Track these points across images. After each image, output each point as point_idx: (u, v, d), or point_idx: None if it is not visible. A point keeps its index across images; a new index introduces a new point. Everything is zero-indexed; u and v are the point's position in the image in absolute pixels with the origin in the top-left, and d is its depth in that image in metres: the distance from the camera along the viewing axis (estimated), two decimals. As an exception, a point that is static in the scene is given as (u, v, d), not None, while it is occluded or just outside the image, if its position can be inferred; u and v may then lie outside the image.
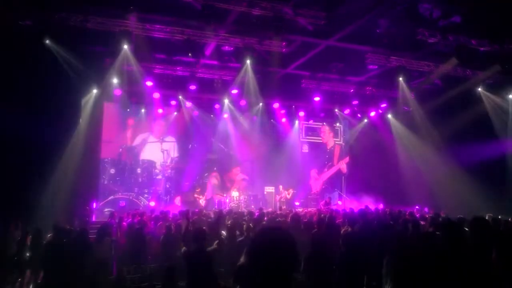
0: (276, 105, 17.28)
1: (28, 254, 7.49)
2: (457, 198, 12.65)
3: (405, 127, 17.39)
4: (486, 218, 5.52)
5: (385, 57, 12.67)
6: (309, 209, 14.27)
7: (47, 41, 10.38)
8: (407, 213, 10.74)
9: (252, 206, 15.43)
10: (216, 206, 15.62)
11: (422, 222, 9.31)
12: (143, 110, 16.75)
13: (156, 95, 15.10)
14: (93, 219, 12.70)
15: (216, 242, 5.63)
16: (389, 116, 18.18)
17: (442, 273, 1.92)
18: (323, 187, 20.18)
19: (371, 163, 18.32)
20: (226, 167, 18.69)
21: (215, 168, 18.59)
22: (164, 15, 10.48)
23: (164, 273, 5.78)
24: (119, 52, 11.29)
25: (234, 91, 15.02)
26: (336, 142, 21.04)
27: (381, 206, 14.45)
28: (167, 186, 17.38)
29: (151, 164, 17.28)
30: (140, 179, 16.82)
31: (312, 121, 19.76)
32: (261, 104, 17.11)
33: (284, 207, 15.41)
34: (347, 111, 18.51)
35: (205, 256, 5.30)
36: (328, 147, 20.93)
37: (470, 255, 3.36)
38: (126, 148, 17.17)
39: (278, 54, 12.31)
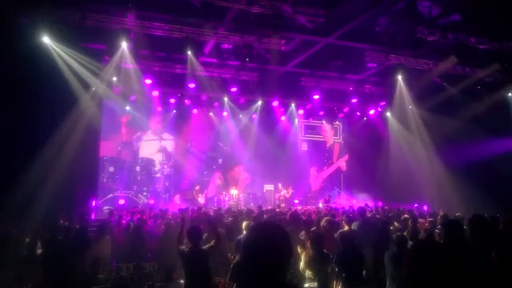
0: (275, 103, 17.27)
1: (25, 253, 7.47)
2: (456, 197, 12.66)
3: (404, 125, 17.39)
4: (485, 216, 5.51)
5: (384, 55, 12.65)
6: (308, 207, 14.30)
7: (45, 39, 10.33)
8: (406, 211, 10.77)
9: (251, 204, 15.45)
10: (215, 204, 15.63)
11: (421, 220, 9.36)
12: (142, 108, 16.72)
13: (155, 93, 15.07)
14: (93, 217, 12.70)
15: (213, 240, 5.62)
16: (388, 114, 18.19)
17: (442, 273, 1.92)
18: (323, 185, 20.21)
19: (370, 161, 18.34)
20: (228, 165, 18.68)
21: (214, 167, 18.59)
22: (163, 13, 10.44)
23: (164, 271, 5.78)
24: (117, 50, 11.25)
25: (234, 89, 15.01)
26: (336, 140, 21.06)
27: (380, 204, 14.46)
28: (166, 184, 17.38)
29: (150, 162, 17.27)
30: (139, 177, 16.82)
31: (311, 119, 19.77)
32: (260, 102, 17.10)
33: (283, 205, 15.43)
34: (346, 109, 18.52)
35: (201, 256, 5.31)
36: (328, 145, 20.96)
37: (469, 254, 3.36)
38: (125, 146, 17.17)
39: (277, 52, 12.30)
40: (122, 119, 17.08)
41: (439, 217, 9.02)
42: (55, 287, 6.12)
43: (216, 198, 16.81)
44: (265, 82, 14.76)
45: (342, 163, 20.77)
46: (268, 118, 18.29)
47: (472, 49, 11.44)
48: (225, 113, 17.91)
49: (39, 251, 7.23)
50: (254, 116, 18.10)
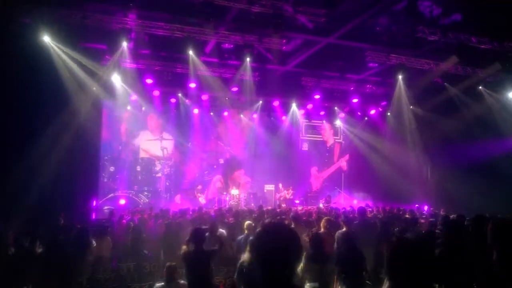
0: (276, 103, 17.27)
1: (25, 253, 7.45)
2: (457, 197, 12.64)
3: (405, 125, 17.38)
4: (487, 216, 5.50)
5: (385, 55, 12.63)
6: (309, 207, 14.29)
7: (46, 38, 10.33)
8: (407, 211, 10.77)
9: (252, 204, 15.45)
10: (216, 204, 15.63)
11: (421, 220, 9.36)
12: (143, 108, 16.73)
13: (156, 92, 15.07)
14: (93, 217, 12.71)
15: (218, 244, 5.70)
16: (389, 114, 18.18)
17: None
18: (323, 185, 20.20)
19: (370, 161, 18.33)
20: (228, 170, 18.65)
21: (215, 166, 18.59)
22: (164, 13, 10.44)
23: (164, 271, 5.78)
24: (118, 50, 11.25)
25: (234, 89, 15.00)
26: (336, 140, 21.06)
27: (380, 204, 14.45)
28: (167, 184, 17.40)
29: (150, 161, 17.29)
30: (139, 177, 16.84)
31: (312, 119, 19.76)
32: (260, 101, 17.10)
33: (284, 205, 15.43)
34: (347, 109, 18.50)
35: (204, 257, 5.33)
36: (328, 145, 20.94)
37: (470, 254, 3.35)
38: (126, 145, 17.17)
39: (278, 51, 12.29)
40: (122, 118, 17.08)
41: (439, 217, 9.02)
42: (55, 287, 6.12)
43: (217, 198, 16.81)
44: (266, 81, 14.75)
45: (343, 162, 20.76)
46: (269, 118, 18.29)
47: (473, 49, 11.41)
48: (225, 113, 17.90)
49: (39, 251, 7.22)
50: (255, 115, 18.11)
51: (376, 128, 18.68)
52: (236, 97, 16.15)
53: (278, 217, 9.14)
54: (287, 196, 17.07)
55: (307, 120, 19.81)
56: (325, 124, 20.54)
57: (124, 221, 9.53)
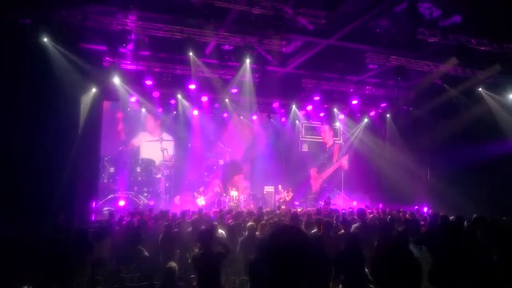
0: (276, 104, 17.26)
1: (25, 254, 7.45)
2: (457, 198, 12.64)
3: (405, 126, 17.39)
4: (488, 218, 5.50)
5: (385, 56, 12.65)
6: (308, 209, 14.27)
7: (46, 40, 10.34)
8: (407, 213, 10.76)
9: (252, 206, 15.42)
10: (215, 206, 15.61)
11: (421, 222, 9.34)
12: (143, 109, 16.73)
13: (156, 94, 15.07)
14: (93, 218, 12.69)
15: (222, 247, 5.71)
16: (388, 115, 18.19)
17: (442, 274, 1.91)
18: (323, 186, 20.19)
19: (370, 162, 18.33)
20: (228, 175, 18.62)
21: (215, 167, 18.58)
22: (164, 14, 10.45)
23: (164, 273, 5.77)
24: (118, 51, 11.25)
25: (234, 90, 15.00)
26: (336, 141, 21.05)
27: (380, 205, 14.45)
28: (167, 185, 17.39)
29: (150, 163, 17.28)
30: (139, 178, 16.83)
31: (312, 120, 19.77)
32: (261, 103, 17.09)
33: (284, 207, 15.41)
34: (346, 111, 18.50)
35: (213, 258, 5.34)
36: (328, 146, 20.94)
37: (470, 255, 3.35)
38: (126, 146, 17.17)
39: (278, 53, 12.30)
40: (122, 119, 17.08)
41: (439, 218, 9.00)
42: (55, 287, 6.12)
43: (216, 199, 16.80)
44: (265, 83, 14.76)
45: (344, 161, 20.72)
46: (269, 119, 18.28)
47: (473, 51, 11.43)
48: (225, 114, 17.90)
49: (39, 251, 7.22)
50: (255, 117, 18.10)
51: (376, 130, 18.69)
52: (236, 98, 16.16)
53: (277, 219, 9.12)
54: (287, 198, 17.04)
55: (306, 122, 19.82)
56: (324, 125, 20.54)
57: (123, 222, 9.52)
